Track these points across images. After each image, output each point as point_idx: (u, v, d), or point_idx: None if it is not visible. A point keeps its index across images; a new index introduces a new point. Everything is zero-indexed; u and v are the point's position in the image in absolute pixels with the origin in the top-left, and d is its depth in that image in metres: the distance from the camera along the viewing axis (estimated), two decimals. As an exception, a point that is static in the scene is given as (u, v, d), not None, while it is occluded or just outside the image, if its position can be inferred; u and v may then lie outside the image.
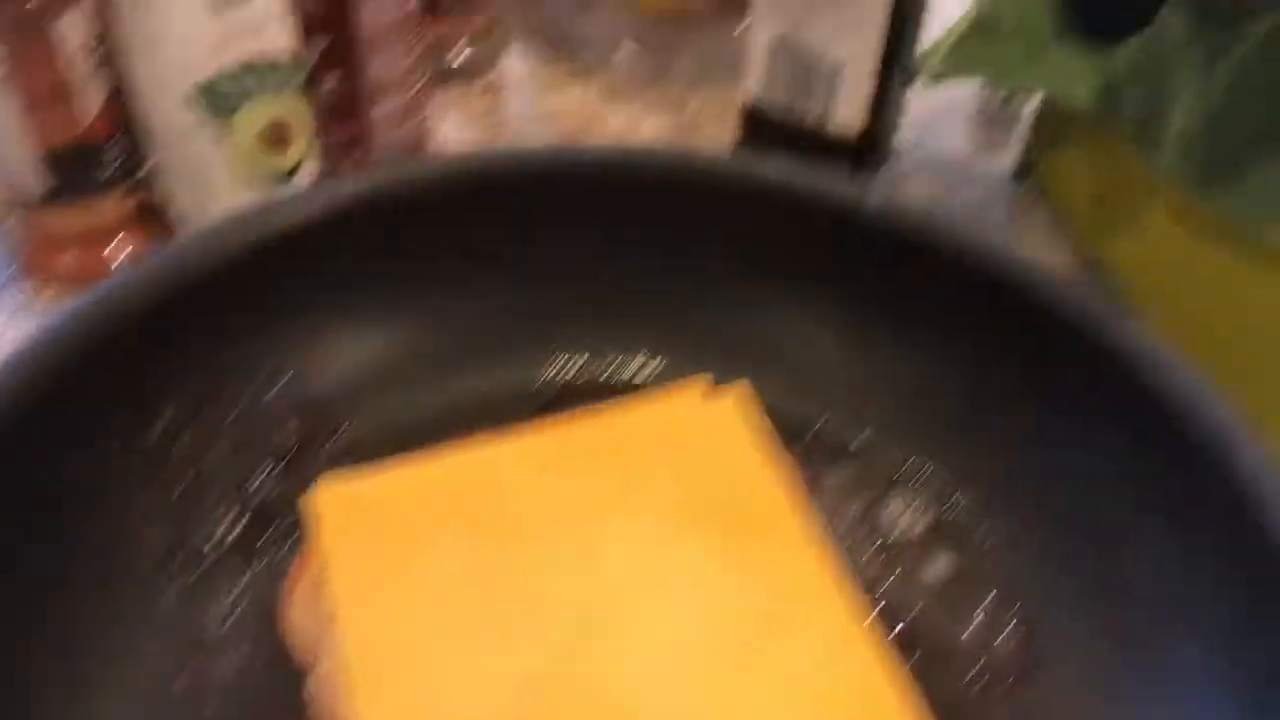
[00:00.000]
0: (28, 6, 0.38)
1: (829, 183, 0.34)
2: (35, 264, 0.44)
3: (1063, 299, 0.31)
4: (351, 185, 0.33)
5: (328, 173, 0.46)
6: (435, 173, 0.34)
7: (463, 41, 0.55)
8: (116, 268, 0.45)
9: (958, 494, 0.33)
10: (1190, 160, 0.39)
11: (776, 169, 0.34)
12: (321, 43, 0.44)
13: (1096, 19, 0.32)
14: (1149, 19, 0.32)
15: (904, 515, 0.33)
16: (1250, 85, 0.36)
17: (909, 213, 0.33)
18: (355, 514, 0.28)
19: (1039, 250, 0.48)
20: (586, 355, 0.36)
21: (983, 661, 0.30)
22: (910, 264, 0.33)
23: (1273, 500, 0.25)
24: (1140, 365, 0.29)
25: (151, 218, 0.45)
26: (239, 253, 0.31)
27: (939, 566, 0.32)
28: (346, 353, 0.34)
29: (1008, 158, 0.53)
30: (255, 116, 0.41)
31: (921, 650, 0.30)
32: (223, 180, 0.41)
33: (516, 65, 0.57)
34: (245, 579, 0.31)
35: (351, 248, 0.33)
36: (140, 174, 0.45)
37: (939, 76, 0.49)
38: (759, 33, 0.48)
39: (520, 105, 0.55)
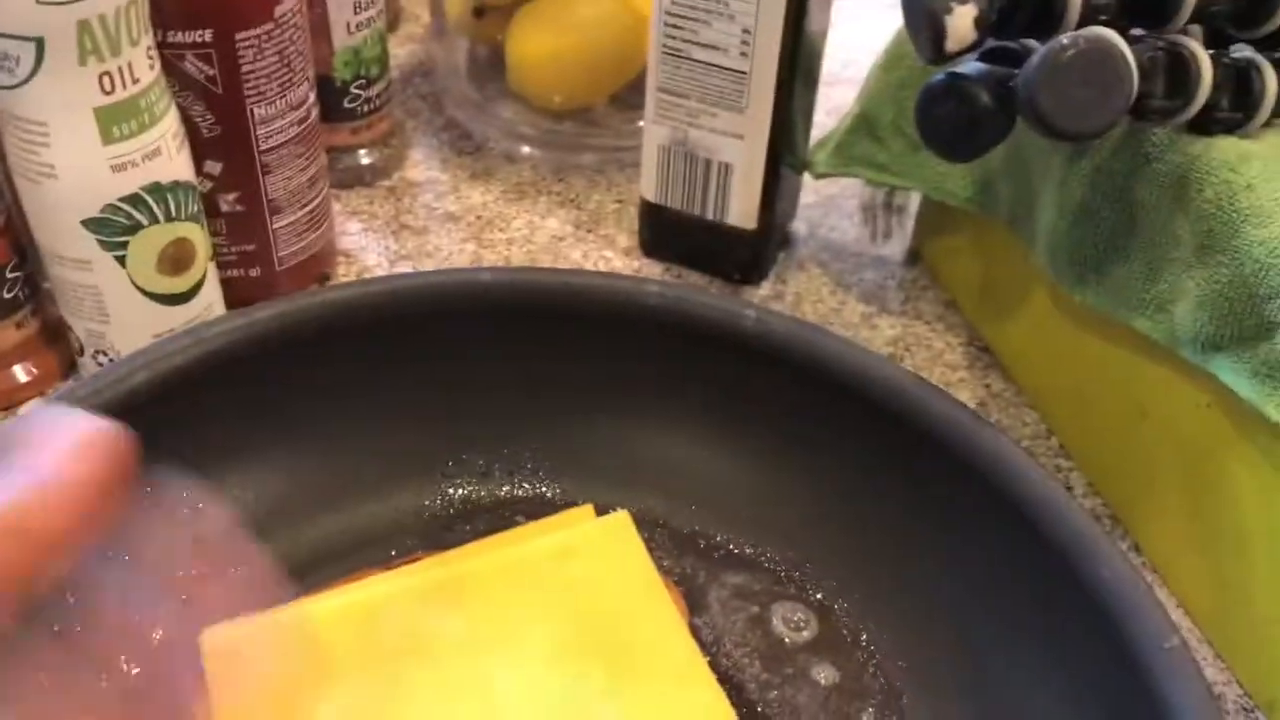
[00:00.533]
0: (-82, 144, 0.38)
1: (708, 302, 0.35)
2: (-66, 392, 0.44)
3: (930, 411, 0.32)
4: (239, 322, 0.34)
5: (232, 282, 0.47)
6: (317, 309, 0.34)
7: (366, 148, 0.56)
8: (44, 393, 0.45)
9: (839, 601, 0.34)
10: (1058, 257, 0.41)
11: (658, 290, 0.36)
12: (220, 165, 0.45)
13: (949, 144, 0.34)
14: (1000, 140, 0.34)
15: (790, 623, 0.34)
16: (1104, 187, 0.39)
17: (784, 330, 0.34)
18: (242, 658, 0.28)
19: (932, 332, 0.50)
20: (475, 481, 0.37)
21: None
22: (788, 380, 0.34)
23: (1129, 613, 0.27)
24: (1002, 474, 0.30)
25: (55, 341, 0.45)
26: (131, 394, 0.32)
27: (823, 674, 0.33)
28: (238, 488, 0.35)
29: (899, 244, 0.55)
30: (152, 241, 0.41)
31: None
32: (122, 305, 0.42)
33: (419, 168, 0.58)
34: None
35: (238, 385, 0.34)
36: (40, 298, 0.45)
37: (824, 174, 0.51)
38: (651, 135, 0.50)
39: (423, 209, 0.56)
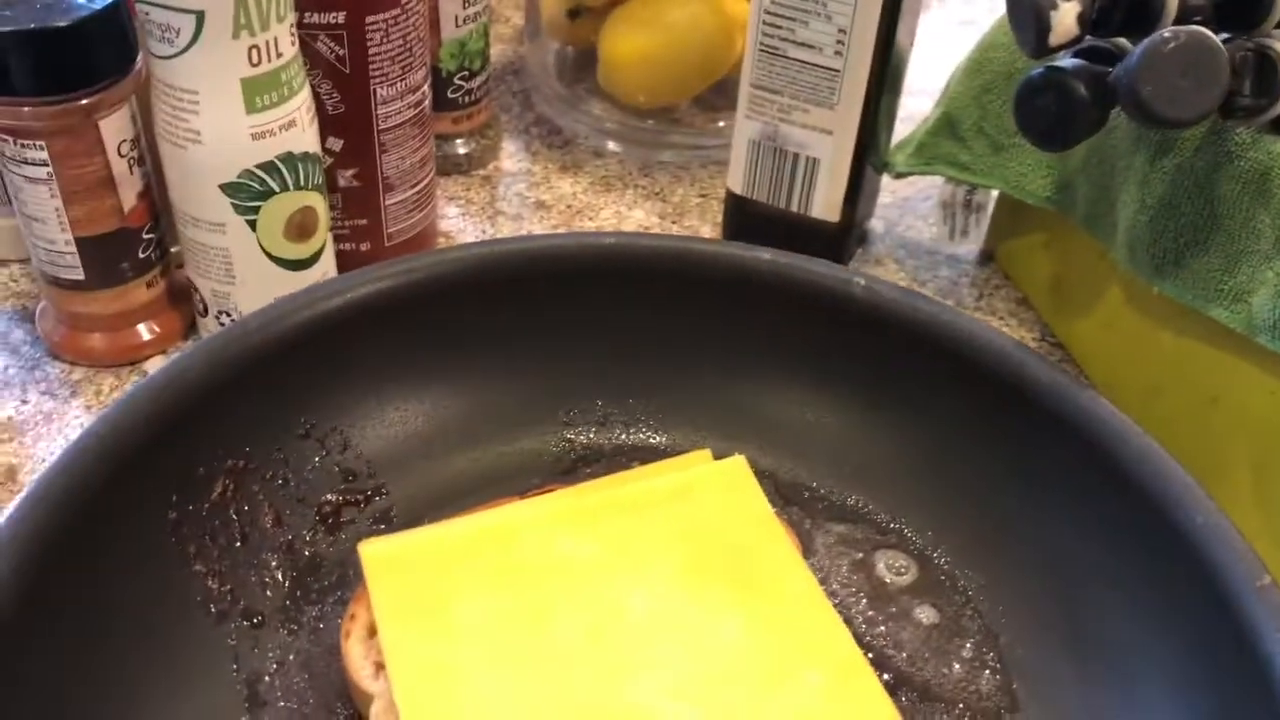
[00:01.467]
0: (80, 103, 0.41)
1: (818, 270, 0.38)
2: (66, 345, 0.47)
3: (1028, 373, 0.34)
4: (389, 272, 0.37)
5: (344, 255, 0.49)
6: (464, 263, 0.37)
7: (464, 138, 0.59)
8: (166, 351, 0.47)
9: (939, 550, 0.36)
10: (1137, 250, 0.43)
11: (770, 258, 0.38)
12: (341, 141, 0.47)
13: (1044, 134, 0.36)
14: (1093, 132, 0.36)
15: (891, 568, 0.36)
16: (1186, 183, 0.41)
17: (891, 297, 0.37)
18: (400, 569, 0.31)
19: (1006, 327, 0.52)
20: (594, 429, 0.40)
21: (964, 704, 0.33)
22: (892, 343, 0.36)
23: (1222, 555, 0.29)
24: (1098, 434, 0.32)
25: (178, 302, 0.48)
26: (290, 332, 0.35)
27: (924, 615, 0.35)
28: (384, 423, 0.37)
29: (974, 243, 0.57)
30: (282, 208, 0.44)
31: (909, 692, 0.33)
32: (249, 267, 0.45)
33: (512, 159, 0.61)
34: (296, 630, 0.34)
35: (388, 329, 0.36)
36: (168, 260, 0.48)
37: (904, 173, 0.54)
38: (742, 130, 0.52)
39: (516, 197, 0.58)
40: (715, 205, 0.59)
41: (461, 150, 0.59)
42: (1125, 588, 0.32)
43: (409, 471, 0.35)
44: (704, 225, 0.58)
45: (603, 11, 0.60)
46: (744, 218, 0.55)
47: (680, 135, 0.62)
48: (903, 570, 0.36)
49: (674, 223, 0.58)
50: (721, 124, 0.62)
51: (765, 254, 0.38)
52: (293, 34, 0.42)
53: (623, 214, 0.58)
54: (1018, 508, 0.35)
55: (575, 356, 0.38)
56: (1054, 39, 0.35)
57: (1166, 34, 0.33)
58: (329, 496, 0.36)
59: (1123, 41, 0.39)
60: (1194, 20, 0.36)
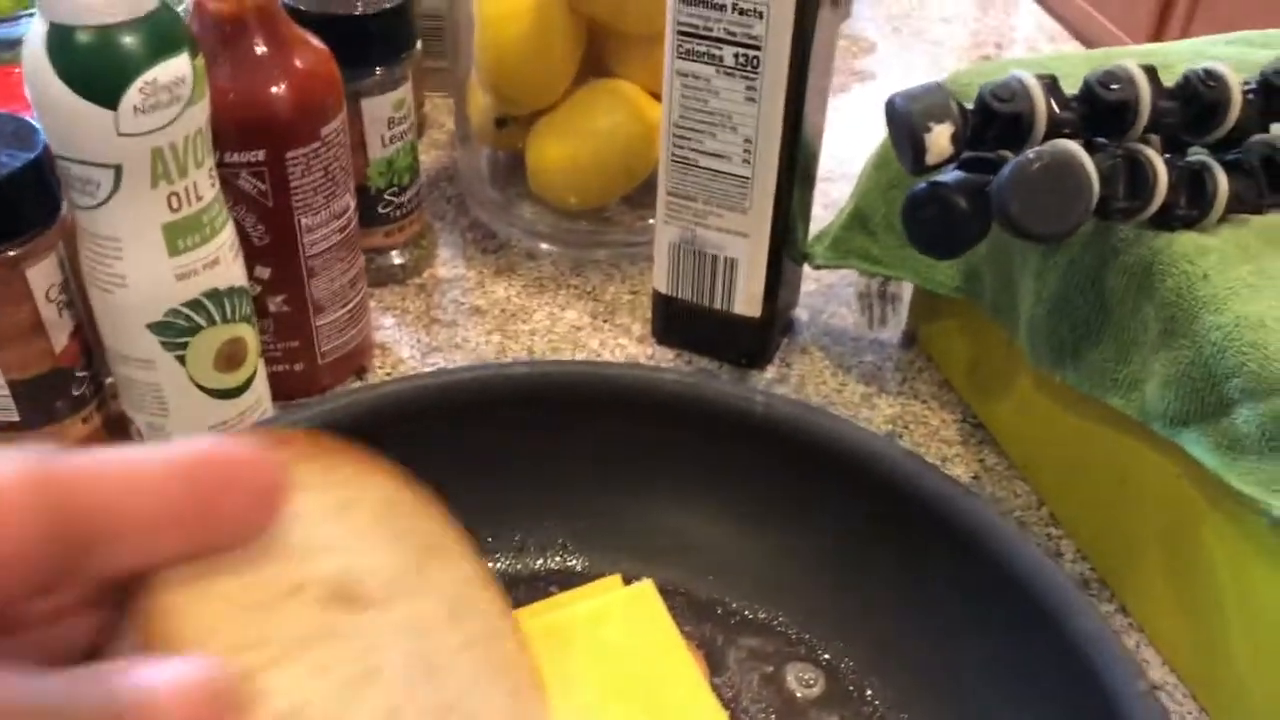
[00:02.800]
0: (6, 254, 0.42)
1: (721, 389, 0.39)
2: (5, 483, 0.48)
3: (919, 483, 0.36)
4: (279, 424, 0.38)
5: (278, 376, 0.51)
6: (360, 405, 0.38)
7: (399, 249, 0.60)
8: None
9: (846, 660, 0.37)
10: (1037, 341, 0.45)
11: (674, 379, 0.39)
12: (269, 270, 0.49)
13: (931, 244, 0.38)
14: (978, 241, 0.38)
15: (800, 680, 0.37)
16: (1078, 278, 0.43)
17: (790, 413, 0.38)
18: None
19: (929, 410, 0.54)
20: (511, 556, 0.41)
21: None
22: (792, 457, 0.38)
23: (1104, 662, 0.30)
24: (987, 543, 0.34)
25: (116, 433, 0.49)
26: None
27: (833, 726, 0.36)
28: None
29: (894, 330, 0.58)
30: (209, 341, 0.45)
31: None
32: (180, 400, 0.46)
33: (448, 266, 0.63)
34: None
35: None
36: (104, 394, 0.49)
37: (822, 265, 0.55)
38: (662, 234, 0.54)
39: (452, 304, 0.60)
40: (645, 301, 0.60)
41: (396, 261, 0.61)
42: (1019, 695, 0.33)
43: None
44: (635, 322, 0.59)
45: (528, 120, 0.62)
46: (671, 315, 0.57)
47: (611, 234, 0.64)
48: (811, 682, 0.37)
49: (605, 321, 0.59)
50: (650, 221, 0.64)
51: (670, 375, 0.40)
52: (212, 177, 0.43)
53: (556, 315, 0.59)
54: (916, 617, 0.36)
55: (489, 485, 0.40)
56: (930, 159, 0.37)
57: (1031, 155, 0.35)
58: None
59: (1005, 153, 0.41)
60: (1064, 133, 0.38)
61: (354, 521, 0.26)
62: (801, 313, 0.60)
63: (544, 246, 0.64)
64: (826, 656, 0.38)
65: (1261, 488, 0.36)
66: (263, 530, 0.23)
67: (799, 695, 0.36)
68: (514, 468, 0.40)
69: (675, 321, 0.57)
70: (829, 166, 0.74)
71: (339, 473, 0.27)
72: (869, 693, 0.36)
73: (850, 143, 0.71)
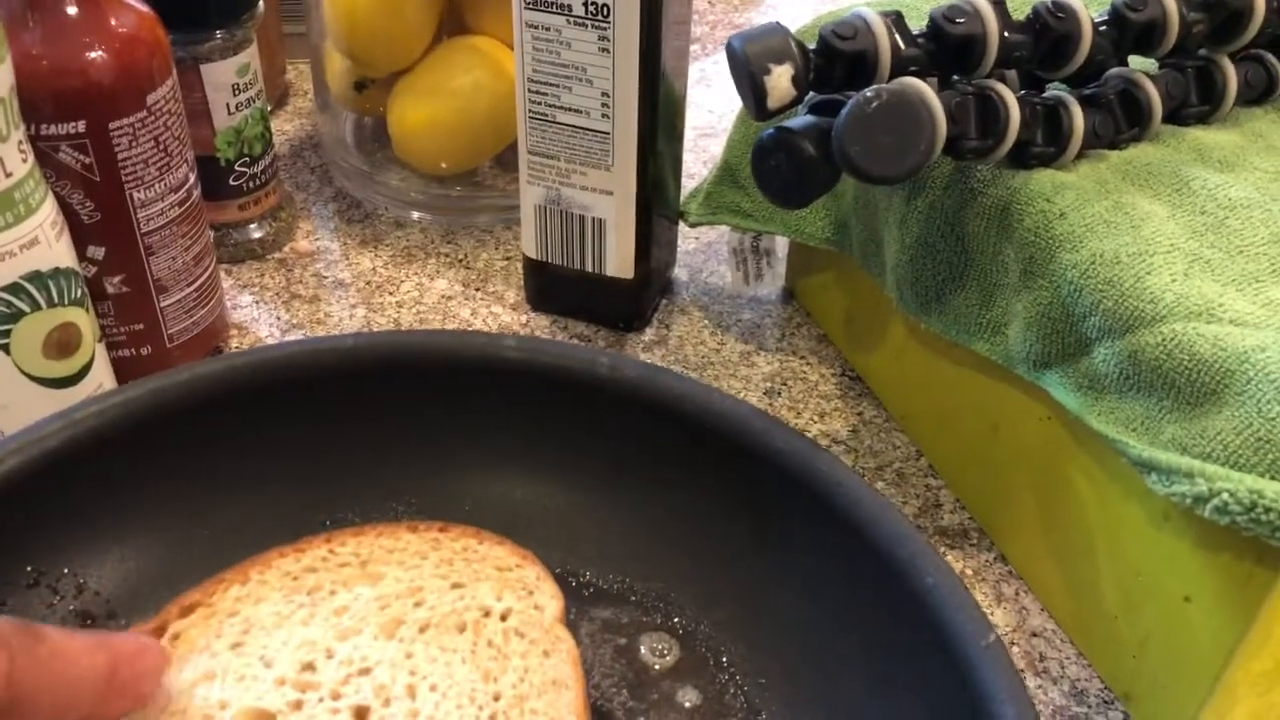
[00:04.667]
0: None
1: (565, 353, 0.37)
2: None
3: (768, 440, 0.34)
4: (110, 403, 0.35)
5: (124, 361, 0.48)
6: (191, 383, 0.36)
7: (256, 222, 0.58)
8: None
9: (701, 625, 0.36)
10: (903, 288, 0.44)
11: (515, 344, 0.38)
12: (102, 249, 0.46)
13: (781, 193, 0.37)
14: (828, 188, 0.37)
15: (655, 651, 0.36)
16: (939, 222, 0.41)
17: (636, 374, 0.36)
18: None
19: (807, 365, 0.53)
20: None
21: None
22: (641, 420, 0.36)
23: (950, 615, 0.29)
24: (835, 498, 0.33)
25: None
26: (6, 477, 0.33)
27: (687, 698, 0.34)
28: (122, 559, 0.36)
29: (770, 285, 0.57)
30: (36, 328, 0.42)
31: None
32: (9, 391, 0.43)
33: (310, 239, 0.60)
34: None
35: (116, 460, 0.35)
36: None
37: (697, 223, 0.54)
38: (527, 196, 0.52)
39: (313, 278, 0.57)
40: (518, 268, 0.58)
41: (254, 235, 0.58)
42: (869, 651, 0.32)
43: (154, 605, 0.33)
44: (509, 289, 0.57)
45: (388, 82, 0.60)
46: (543, 280, 0.55)
47: (485, 198, 0.62)
48: (665, 652, 0.35)
49: (478, 290, 0.57)
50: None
51: (510, 341, 0.38)
52: (23, 150, 0.41)
53: (424, 285, 0.57)
54: (770, 577, 0.35)
55: (330, 465, 0.38)
56: (771, 103, 0.35)
57: (869, 93, 0.34)
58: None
59: (854, 94, 0.39)
60: (910, 71, 0.37)
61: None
62: (681, 272, 0.59)
63: (414, 215, 0.62)
64: (681, 624, 0.36)
65: (1121, 426, 0.35)
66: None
67: (655, 666, 0.35)
68: (356, 446, 0.38)
69: (548, 288, 0.55)
70: (708, 122, 0.72)
71: None
72: (725, 659, 0.35)
73: (732, 97, 0.69)
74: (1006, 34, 0.38)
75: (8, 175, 0.40)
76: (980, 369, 0.43)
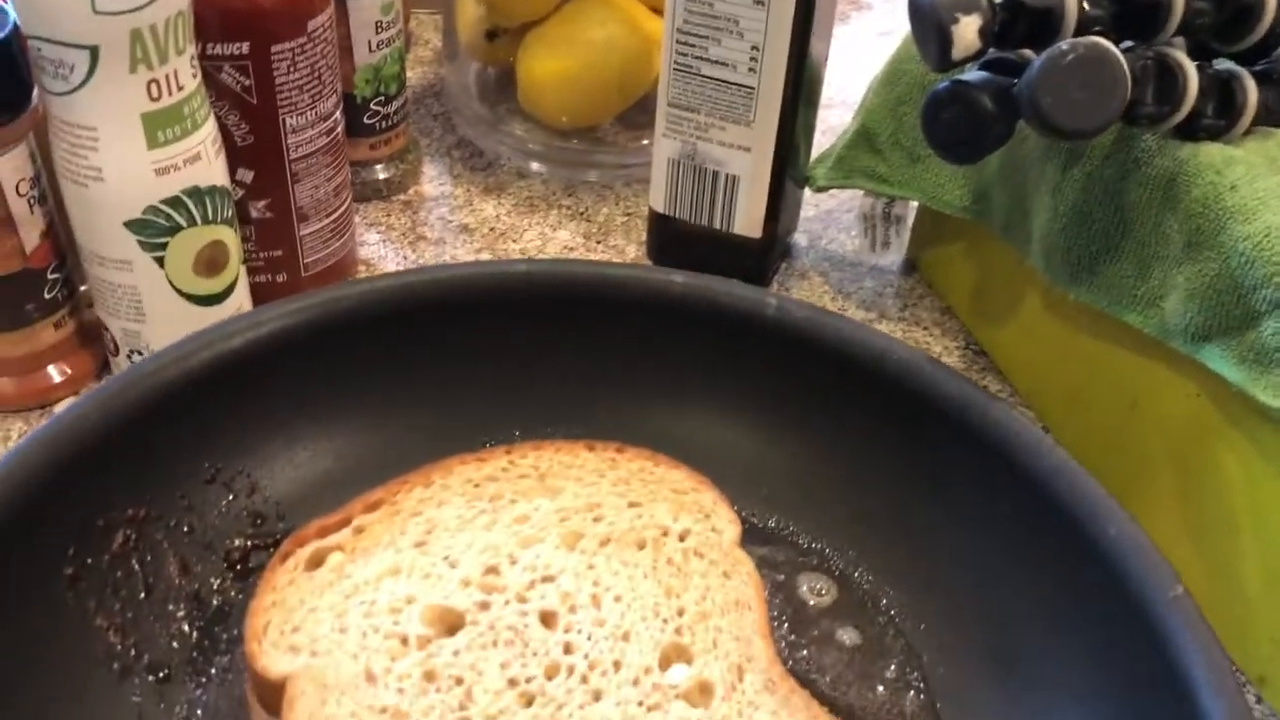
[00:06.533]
0: (-30, 147, 0.40)
1: (732, 291, 0.37)
2: (-29, 390, 0.46)
3: (940, 388, 0.34)
4: (293, 309, 0.36)
5: (260, 287, 0.49)
6: (371, 296, 0.36)
7: (383, 163, 0.58)
8: (78, 392, 0.46)
9: (860, 570, 0.36)
10: (1053, 258, 0.44)
11: (683, 280, 0.38)
12: (251, 173, 0.46)
13: (952, 148, 0.36)
14: (1000, 145, 0.36)
15: (813, 590, 0.36)
16: (1097, 191, 0.41)
17: (803, 315, 0.36)
18: None
19: (930, 337, 0.53)
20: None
21: (890, 721, 0.33)
22: (805, 362, 0.36)
23: (1135, 566, 0.29)
24: (1011, 448, 0.32)
25: (89, 342, 0.47)
26: (190, 373, 0.34)
27: (846, 636, 0.35)
28: (293, 464, 0.36)
29: (896, 253, 0.57)
30: (189, 243, 0.43)
31: (833, 712, 0.32)
32: (158, 305, 0.43)
33: (434, 183, 0.60)
34: (204, 682, 0.33)
35: (294, 366, 0.36)
36: (77, 300, 0.47)
37: (824, 186, 0.54)
38: (661, 149, 0.52)
39: (439, 221, 0.58)
40: (640, 224, 0.58)
41: (381, 175, 0.58)
42: (1043, 602, 0.32)
43: (320, 512, 0.34)
44: (629, 244, 0.57)
45: (520, 32, 0.60)
46: (667, 236, 0.55)
47: (604, 154, 0.62)
48: (824, 592, 0.35)
49: (599, 242, 0.57)
50: (645, 142, 0.62)
51: (678, 276, 0.38)
52: (194, 66, 0.41)
53: (547, 235, 0.57)
54: (935, 524, 0.35)
55: (490, 386, 0.38)
56: (956, 53, 0.35)
57: (1065, 46, 0.34)
58: (237, 542, 0.35)
59: (1028, 53, 0.39)
60: (1093, 31, 0.37)
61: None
62: (800, 238, 0.59)
63: (534, 166, 0.62)
64: (840, 564, 0.36)
65: (1288, 401, 0.35)
66: None
67: (811, 604, 0.35)
68: (514, 370, 0.38)
69: (671, 243, 0.55)
70: (826, 94, 0.72)
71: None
72: (884, 603, 0.35)
73: (847, 71, 0.69)
74: (1193, 2, 0.37)
75: (179, 89, 0.40)
76: (1122, 344, 0.43)
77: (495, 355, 0.38)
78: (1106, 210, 0.41)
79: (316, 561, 0.31)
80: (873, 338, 0.36)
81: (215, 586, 0.34)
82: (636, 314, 0.38)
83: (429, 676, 0.28)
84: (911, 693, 0.33)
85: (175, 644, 0.33)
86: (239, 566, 0.35)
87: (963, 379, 0.35)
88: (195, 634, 0.33)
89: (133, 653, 0.32)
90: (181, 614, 0.33)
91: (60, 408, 0.46)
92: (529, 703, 0.28)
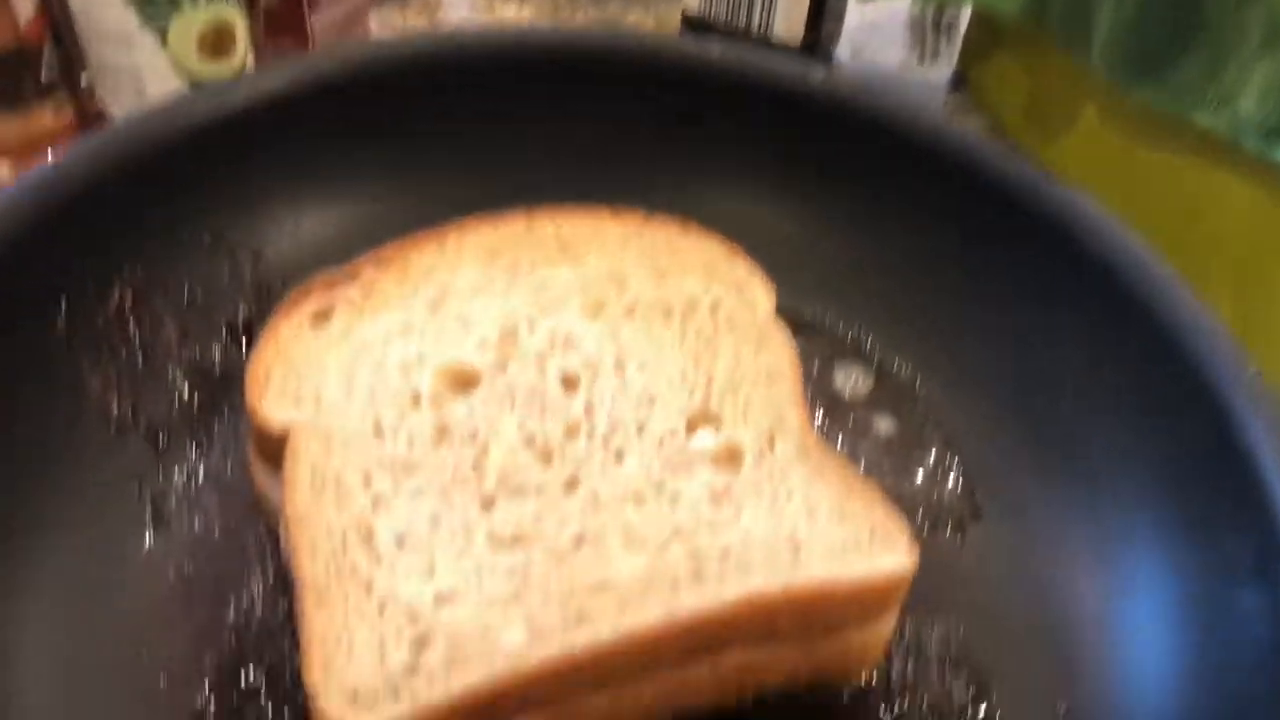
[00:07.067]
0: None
1: (773, 61, 0.34)
2: (-30, 177, 0.44)
3: (996, 168, 0.32)
4: (298, 68, 0.33)
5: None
6: (374, 55, 0.34)
7: (400, -41, 0.55)
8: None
9: (899, 359, 0.34)
10: (1118, 57, 0.40)
11: (720, 51, 0.35)
12: (260, -50, 0.43)
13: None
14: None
15: (850, 380, 0.34)
16: (1171, -21, 0.38)
17: (853, 88, 0.34)
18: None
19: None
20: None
21: (925, 512, 0.31)
22: (853, 140, 0.34)
23: (1206, 348, 0.27)
24: (1072, 227, 0.30)
25: (91, 126, 0.45)
26: (188, 131, 0.31)
27: (883, 426, 0.33)
28: (298, 232, 0.34)
29: (945, 66, 0.54)
30: (193, 22, 0.40)
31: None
32: (162, 87, 0.41)
33: (454, -13, 0.57)
34: (205, 447, 0.32)
35: (300, 128, 0.33)
36: (78, 81, 0.44)
37: (874, -13, 0.50)
38: (698, -57, 0.49)
39: (457, 22, 0.55)
40: (673, 30, 0.55)
41: (399, -26, 0.55)
42: (1093, 389, 0.30)
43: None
44: (660, 53, 0.54)
45: None
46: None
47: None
48: (859, 381, 0.34)
49: (628, 50, 0.54)
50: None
51: (716, 47, 0.35)
52: None
53: (573, 42, 0.54)
54: (981, 311, 0.33)
55: (517, 156, 0.35)
56: None
57: None
58: (241, 310, 0.33)
59: None
60: None
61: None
62: (842, 50, 0.55)
63: (561, -30, 0.58)
64: (878, 354, 0.34)
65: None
66: None
67: (847, 394, 0.33)
68: (541, 141, 0.35)
69: (705, 49, 0.52)
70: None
71: None
72: (923, 391, 0.33)
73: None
74: None
75: None
76: (1184, 151, 0.40)
77: (517, 124, 0.35)
78: (1178, 5, 0.38)
79: (323, 316, 0.29)
80: (923, 114, 0.33)
81: (217, 356, 0.33)
82: (674, 87, 0.35)
83: (441, 432, 0.27)
84: (950, 481, 0.31)
85: (174, 408, 0.31)
86: (243, 337, 0.33)
87: (1019, 158, 0.32)
88: (196, 399, 0.32)
89: (130, 415, 0.31)
90: (180, 378, 0.32)
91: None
92: (547, 459, 0.27)
